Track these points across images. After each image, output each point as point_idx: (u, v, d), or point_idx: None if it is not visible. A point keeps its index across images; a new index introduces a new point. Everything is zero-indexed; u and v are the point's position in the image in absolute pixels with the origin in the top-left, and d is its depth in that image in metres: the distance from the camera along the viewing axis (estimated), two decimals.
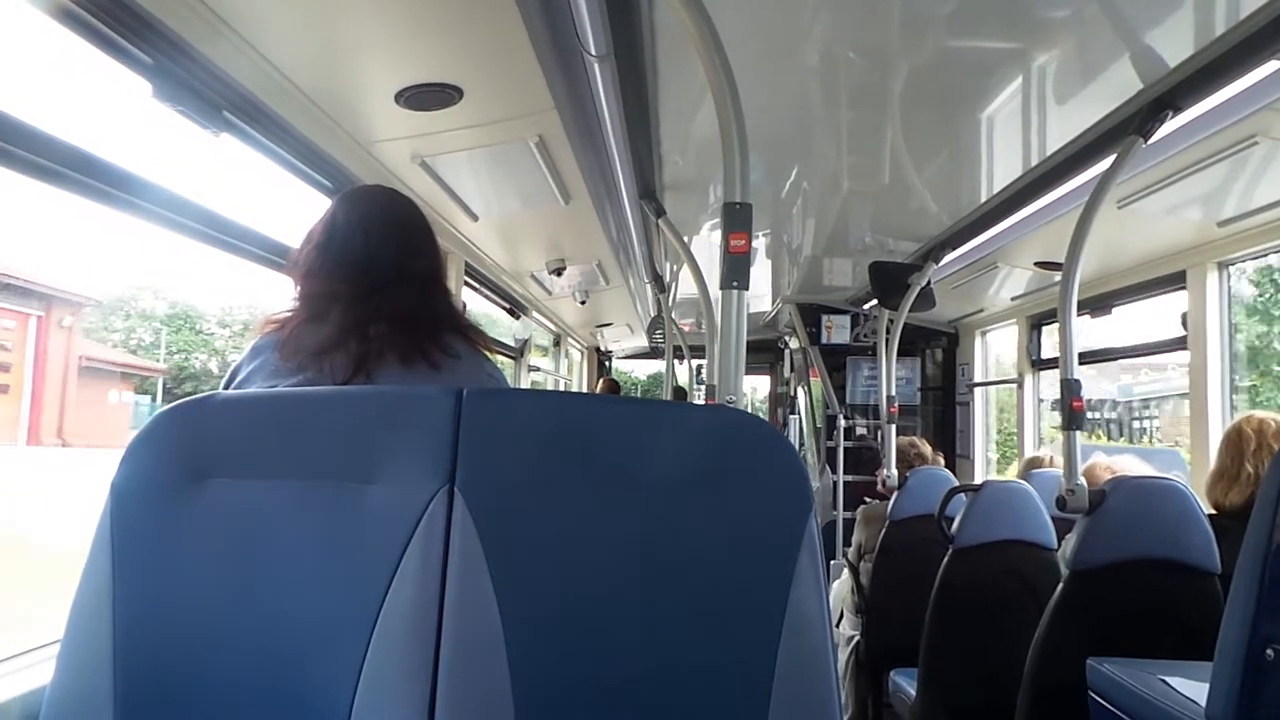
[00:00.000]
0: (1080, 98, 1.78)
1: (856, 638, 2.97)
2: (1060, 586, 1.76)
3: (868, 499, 3.40)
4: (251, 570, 0.72)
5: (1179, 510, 1.71)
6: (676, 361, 5.12)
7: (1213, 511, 1.83)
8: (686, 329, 5.59)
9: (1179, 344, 2.74)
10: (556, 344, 5.92)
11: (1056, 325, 1.94)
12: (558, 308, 4.86)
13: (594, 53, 1.49)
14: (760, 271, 4.19)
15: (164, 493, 0.75)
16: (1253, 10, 1.36)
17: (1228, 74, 1.50)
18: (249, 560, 0.73)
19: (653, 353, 6.87)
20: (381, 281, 1.08)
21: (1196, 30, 1.46)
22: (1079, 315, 1.92)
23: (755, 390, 9.64)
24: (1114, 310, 3.21)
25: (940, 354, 4.89)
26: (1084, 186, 2.03)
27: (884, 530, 2.88)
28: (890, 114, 2.00)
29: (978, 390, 4.60)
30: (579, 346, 6.89)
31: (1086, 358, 3.32)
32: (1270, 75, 1.47)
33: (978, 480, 3.20)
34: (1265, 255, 2.50)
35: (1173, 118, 1.66)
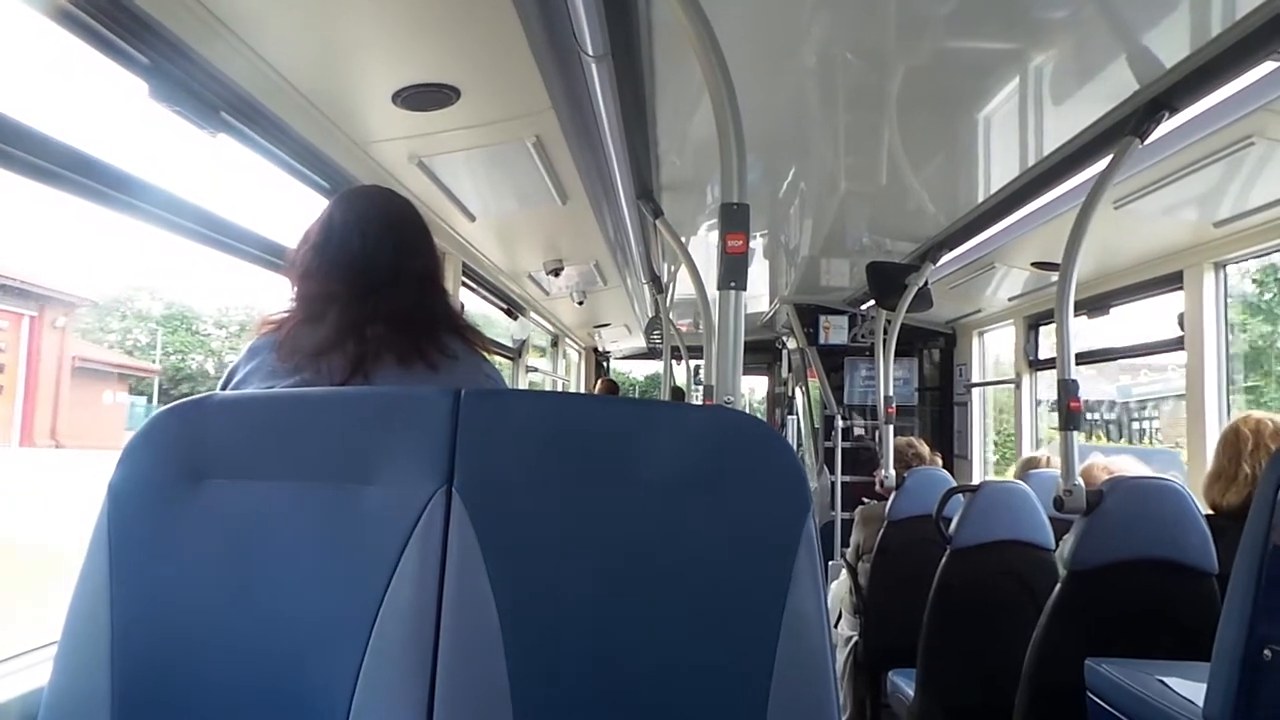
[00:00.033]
0: (1077, 98, 1.78)
1: (855, 638, 2.97)
2: (1058, 587, 1.76)
3: (866, 499, 3.41)
4: (249, 571, 0.72)
5: (1176, 511, 1.71)
6: (674, 362, 5.12)
7: (1210, 512, 1.83)
8: (684, 329, 5.59)
9: (1176, 344, 2.75)
10: (554, 345, 5.92)
11: (1054, 325, 1.94)
12: (555, 308, 4.86)
13: (591, 53, 1.49)
14: (758, 272, 4.19)
15: (162, 493, 0.75)
16: (1249, 11, 1.36)
17: (1224, 75, 1.51)
18: (247, 561, 0.73)
19: (650, 353, 6.86)
20: (379, 282, 1.08)
21: (1192, 31, 1.47)
22: (1076, 316, 1.93)
23: (753, 391, 9.65)
24: (1111, 310, 3.22)
25: (938, 354, 4.90)
26: (1081, 187, 2.03)
27: (882, 531, 2.88)
28: (887, 114, 2.00)
29: (975, 391, 4.60)
30: (577, 347, 6.90)
31: (1084, 358, 3.32)
32: (1266, 76, 1.47)
33: (975, 481, 3.20)
34: (1261, 256, 2.51)
35: (1169, 118, 1.66)
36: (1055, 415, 2.03)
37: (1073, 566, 1.73)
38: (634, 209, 2.60)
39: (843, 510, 4.37)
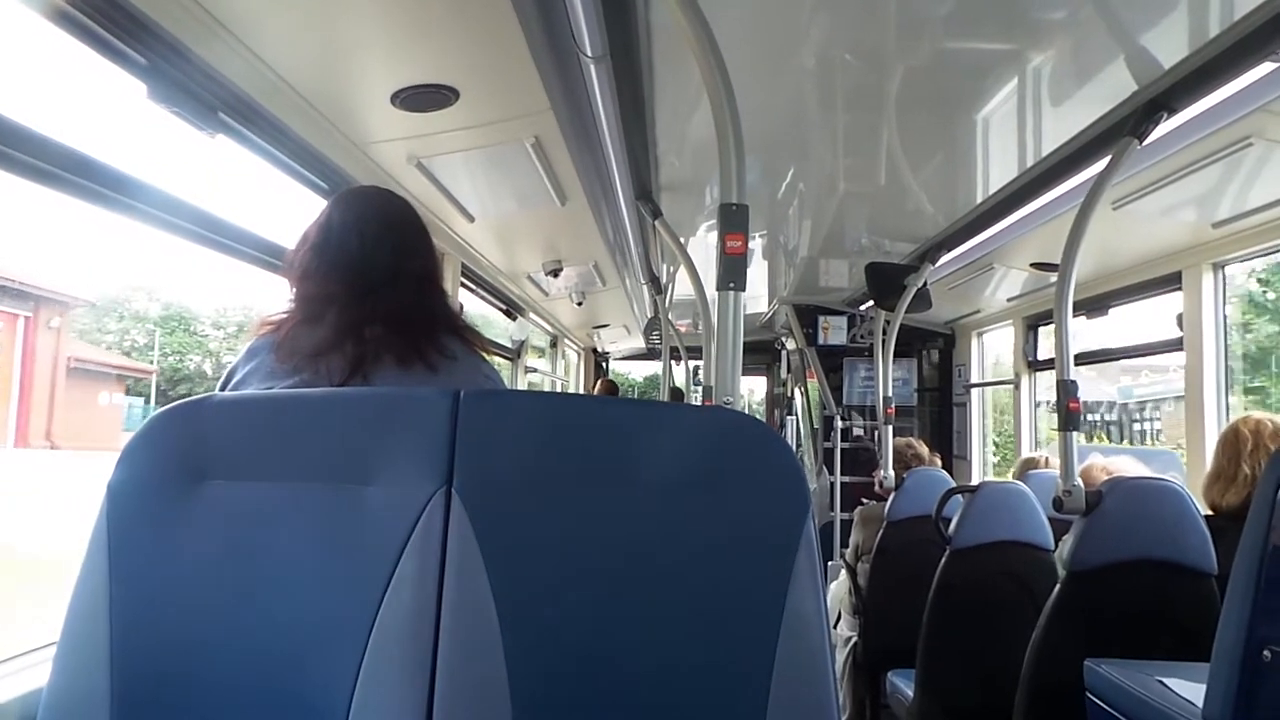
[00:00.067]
0: (1075, 99, 1.79)
1: (854, 638, 2.97)
2: (1057, 587, 1.76)
3: (865, 500, 3.41)
4: (249, 572, 0.72)
5: (1176, 511, 1.71)
6: (674, 363, 5.12)
7: (1209, 512, 1.83)
8: (683, 330, 5.59)
9: (1175, 345, 2.75)
10: (553, 345, 5.92)
11: (1053, 326, 1.94)
12: (554, 309, 4.86)
13: (590, 54, 1.49)
14: (757, 273, 4.19)
15: (161, 494, 0.74)
16: (1247, 11, 1.36)
17: (1222, 75, 1.51)
18: (246, 562, 0.72)
19: (650, 354, 6.86)
20: (377, 282, 1.08)
21: (1191, 32, 1.47)
22: (1075, 316, 1.93)
23: (752, 391, 9.65)
24: (1110, 311, 3.22)
25: (937, 355, 4.90)
26: (1079, 188, 2.03)
27: (881, 531, 2.88)
28: (886, 115, 2.00)
29: (974, 391, 4.60)
30: (576, 348, 6.90)
31: (1083, 359, 3.32)
32: (1264, 77, 1.47)
33: (975, 481, 3.20)
34: (1259, 256, 2.51)
35: (1167, 119, 1.66)
36: (1054, 416, 2.03)
37: (1072, 567, 1.73)
38: (633, 210, 2.60)
39: (842, 511, 4.37)
